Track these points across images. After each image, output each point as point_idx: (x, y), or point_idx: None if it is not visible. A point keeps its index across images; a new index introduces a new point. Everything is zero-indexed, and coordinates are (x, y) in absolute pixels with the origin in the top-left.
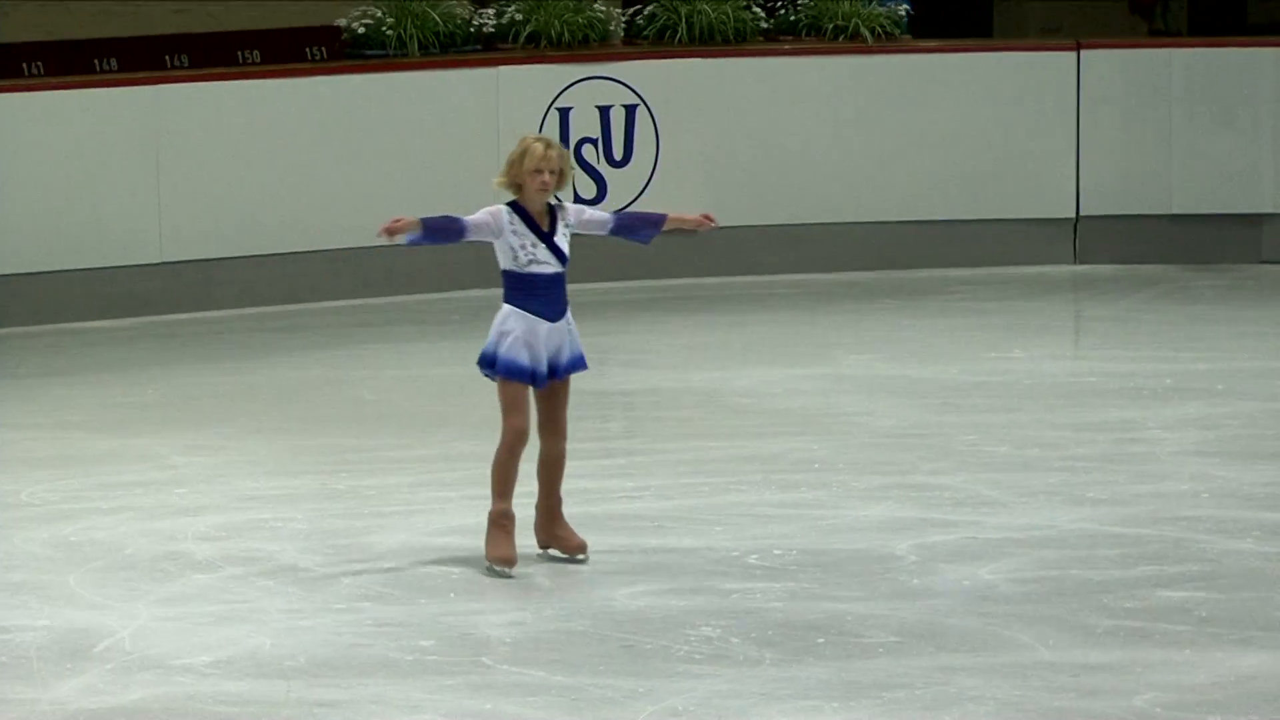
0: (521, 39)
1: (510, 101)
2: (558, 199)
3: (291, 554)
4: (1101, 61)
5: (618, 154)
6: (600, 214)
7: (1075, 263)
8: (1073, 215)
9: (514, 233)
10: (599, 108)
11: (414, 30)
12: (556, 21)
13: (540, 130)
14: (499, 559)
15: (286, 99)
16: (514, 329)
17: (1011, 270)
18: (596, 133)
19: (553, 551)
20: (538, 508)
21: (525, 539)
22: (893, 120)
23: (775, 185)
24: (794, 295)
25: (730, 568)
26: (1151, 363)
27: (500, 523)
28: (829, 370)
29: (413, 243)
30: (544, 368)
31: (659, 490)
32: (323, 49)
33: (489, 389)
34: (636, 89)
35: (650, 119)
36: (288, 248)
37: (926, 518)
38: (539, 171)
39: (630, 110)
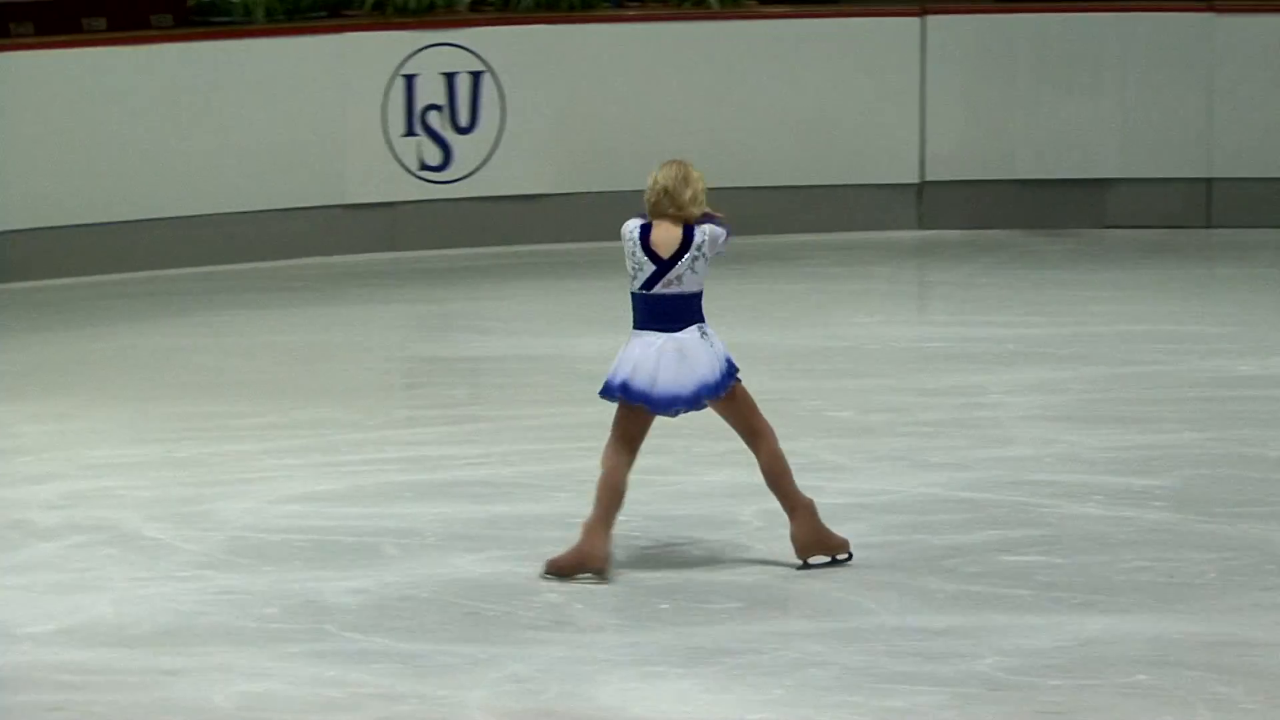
0: (368, 6)
1: (356, 68)
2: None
3: (136, 522)
4: (946, 27)
5: (463, 121)
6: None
7: (920, 228)
8: (917, 180)
9: (631, 253)
10: (444, 74)
11: None
12: None
13: (386, 98)
14: (842, 545)
15: (132, 66)
16: (624, 347)
17: (856, 235)
18: (443, 100)
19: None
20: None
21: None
22: (739, 86)
23: (621, 151)
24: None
25: (576, 535)
26: (996, 328)
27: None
28: None
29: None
30: (623, 381)
31: (503, 456)
32: (169, 16)
33: (334, 358)
34: (482, 55)
35: (496, 86)
36: (132, 215)
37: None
38: (651, 204)
39: (476, 77)
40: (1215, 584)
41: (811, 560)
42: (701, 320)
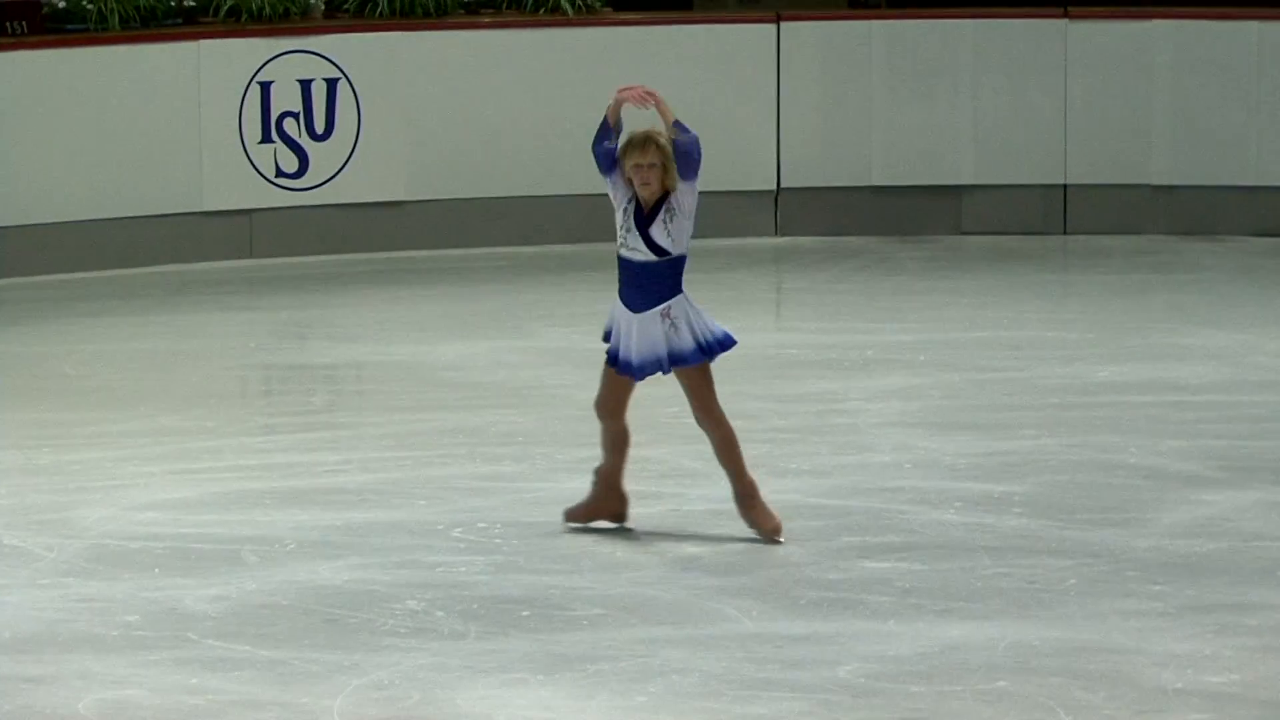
0: (222, 13)
1: (211, 75)
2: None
3: None
4: (801, 34)
5: (319, 127)
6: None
7: (776, 235)
8: (773, 187)
9: (623, 211)
10: (300, 81)
11: (115, 4)
12: None
13: (241, 105)
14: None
15: None
16: (613, 309)
17: (713, 242)
18: (298, 106)
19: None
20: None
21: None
22: (594, 94)
23: (477, 158)
24: (496, 268)
25: (434, 541)
26: (853, 334)
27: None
28: (532, 343)
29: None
30: (627, 355)
31: (362, 463)
32: (23, 23)
33: (191, 365)
34: (338, 62)
35: (352, 93)
36: None
37: (631, 490)
38: (639, 168)
39: (332, 84)
40: (1075, 590)
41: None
42: None
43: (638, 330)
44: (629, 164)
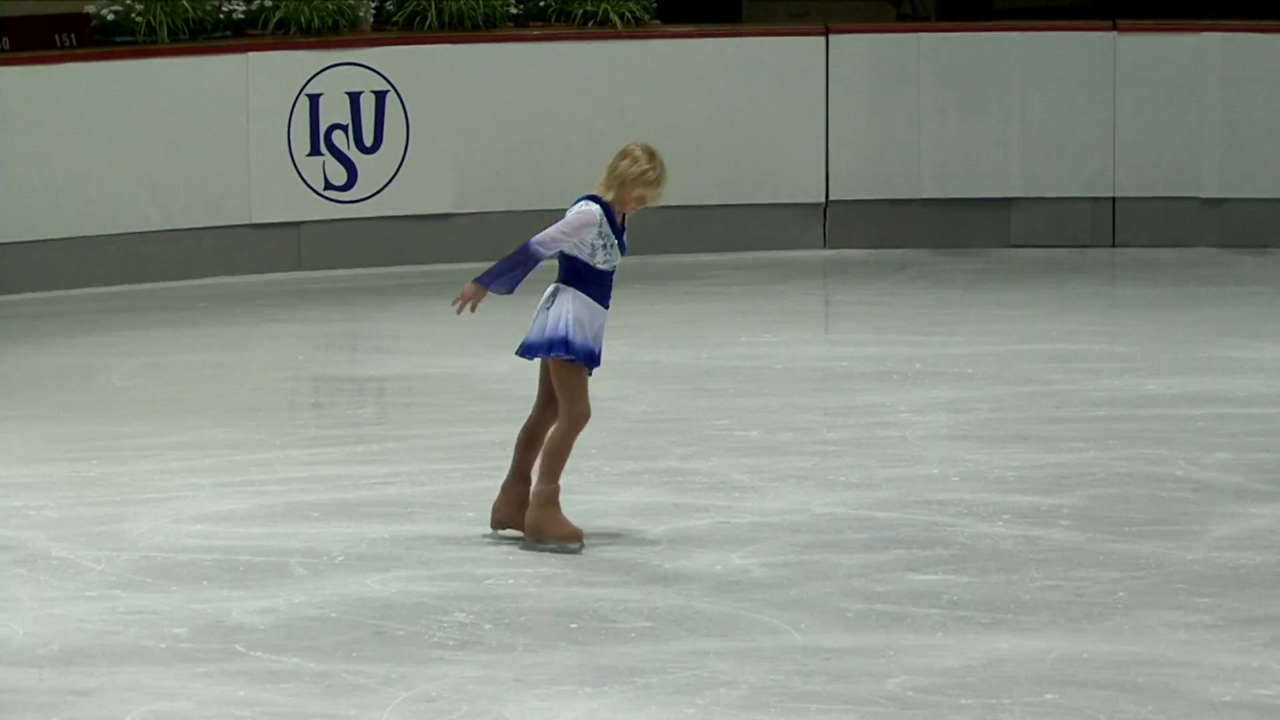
0: (271, 25)
1: (260, 88)
2: None
3: (43, 541)
4: (850, 46)
5: (368, 140)
6: None
7: (825, 247)
8: (822, 200)
9: (600, 234)
10: (349, 94)
11: (163, 17)
12: (306, 8)
13: (290, 117)
14: (574, 536)
15: (37, 86)
16: (582, 316)
17: (762, 255)
18: (346, 119)
19: (510, 531)
20: (507, 486)
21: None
22: (643, 106)
23: (525, 170)
24: (545, 281)
25: (483, 553)
26: (901, 347)
27: (558, 502)
28: None
29: (497, 292)
30: (599, 351)
31: (410, 476)
32: (72, 35)
33: (240, 378)
34: (386, 75)
35: (400, 105)
36: (36, 235)
37: (679, 503)
38: (642, 200)
39: (380, 96)
40: (1123, 603)
41: (540, 544)
42: (569, 283)
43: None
44: (647, 193)
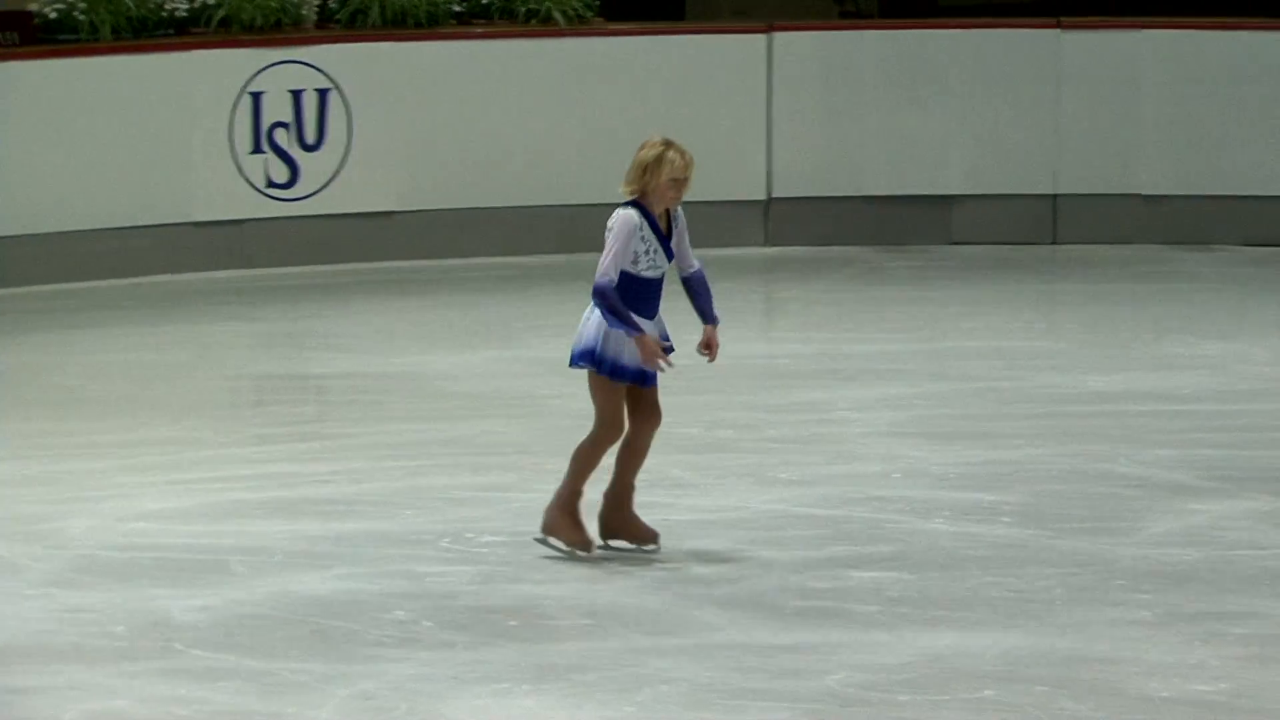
0: (214, 23)
1: (203, 86)
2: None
3: None
4: (793, 44)
5: (310, 138)
6: (688, 246)
7: (767, 245)
8: (765, 197)
9: (641, 238)
10: (291, 92)
11: (106, 15)
12: (248, 5)
13: (233, 115)
14: (584, 544)
15: None
16: (616, 329)
17: (704, 252)
18: (289, 117)
19: (617, 542)
20: (608, 495)
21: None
22: (586, 103)
23: (469, 168)
24: (487, 279)
25: (423, 551)
26: (842, 344)
27: (577, 506)
28: (523, 353)
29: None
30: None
31: (352, 474)
32: (15, 34)
33: (181, 376)
34: (329, 73)
35: (343, 103)
36: None
37: None
38: (676, 181)
39: (323, 94)
40: (1062, 600)
41: (551, 540)
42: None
43: (656, 335)
44: (668, 177)
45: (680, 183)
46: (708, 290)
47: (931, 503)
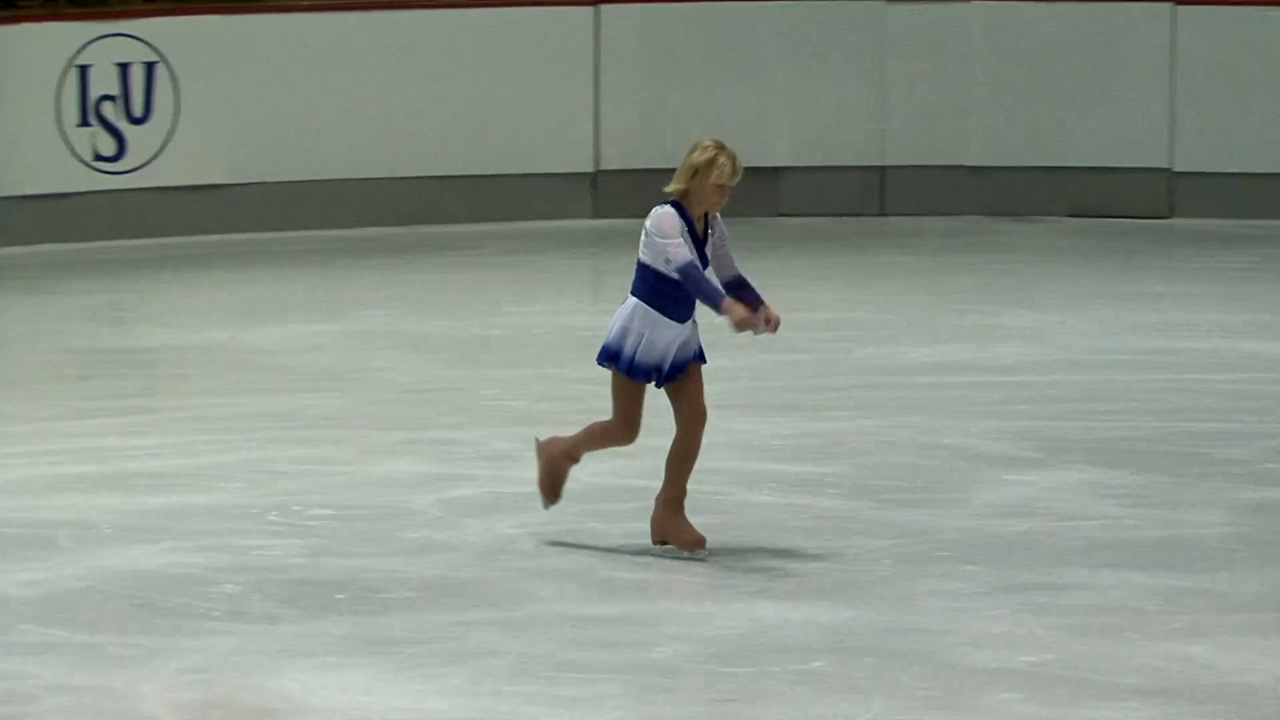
0: None
1: (29, 59)
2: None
3: None
4: (620, 16)
5: (137, 111)
6: (728, 253)
7: (595, 217)
8: (592, 170)
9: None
10: (118, 65)
11: None
12: None
13: (60, 88)
14: (696, 541)
15: None
16: (639, 328)
17: (532, 225)
18: (116, 90)
19: (669, 546)
20: (659, 500)
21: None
22: (413, 75)
23: (296, 141)
24: (315, 251)
25: (251, 524)
26: None
27: (682, 507)
28: (348, 326)
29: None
30: (668, 365)
31: (177, 447)
32: None
33: (3, 349)
34: (156, 46)
35: (170, 76)
36: None
37: (446, 472)
38: (721, 187)
39: (150, 67)
40: (889, 571)
41: (667, 544)
42: (637, 294)
43: (684, 339)
44: (716, 181)
45: (725, 189)
46: (750, 286)
47: (758, 474)
